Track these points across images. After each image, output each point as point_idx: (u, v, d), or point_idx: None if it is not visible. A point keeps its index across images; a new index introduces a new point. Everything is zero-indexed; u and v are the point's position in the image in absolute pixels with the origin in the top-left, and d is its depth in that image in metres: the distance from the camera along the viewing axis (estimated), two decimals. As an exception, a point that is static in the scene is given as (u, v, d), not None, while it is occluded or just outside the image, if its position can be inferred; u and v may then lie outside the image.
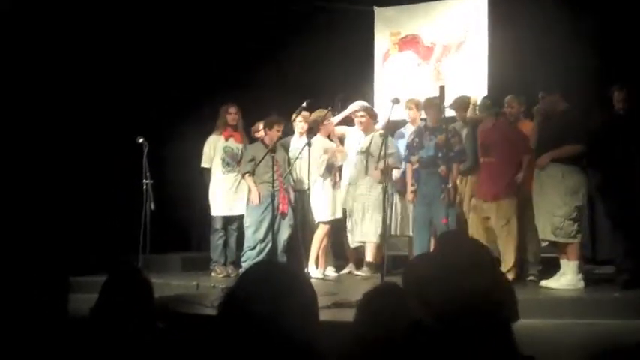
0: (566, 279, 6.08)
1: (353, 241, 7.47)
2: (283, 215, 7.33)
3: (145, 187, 7.40)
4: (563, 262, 6.17)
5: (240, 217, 7.67)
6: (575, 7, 7.49)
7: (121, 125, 8.10)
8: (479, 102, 7.19)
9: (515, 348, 1.60)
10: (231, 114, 7.81)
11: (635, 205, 6.03)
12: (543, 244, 6.42)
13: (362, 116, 7.45)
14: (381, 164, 6.82)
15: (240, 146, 7.84)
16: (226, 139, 7.83)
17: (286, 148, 7.64)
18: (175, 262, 8.35)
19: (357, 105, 7.60)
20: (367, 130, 7.43)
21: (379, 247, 7.08)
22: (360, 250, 7.53)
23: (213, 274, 7.69)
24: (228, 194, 7.77)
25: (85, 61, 8.08)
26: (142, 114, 8.35)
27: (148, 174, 7.43)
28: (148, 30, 8.53)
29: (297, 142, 7.58)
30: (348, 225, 7.48)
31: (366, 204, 7.25)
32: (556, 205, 6.07)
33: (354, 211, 7.38)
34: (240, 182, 7.72)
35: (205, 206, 8.08)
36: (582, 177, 6.19)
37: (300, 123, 7.58)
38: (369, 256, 7.26)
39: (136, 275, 2.69)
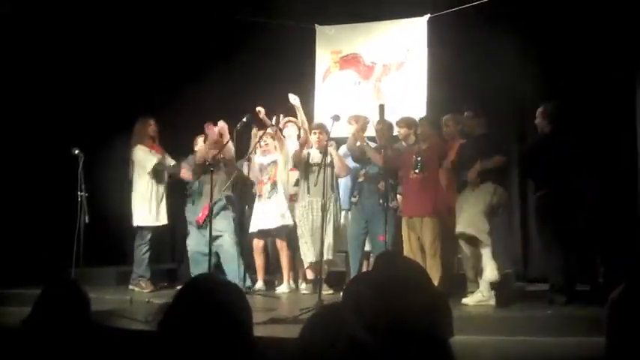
0: (478, 296, 6.21)
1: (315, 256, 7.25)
2: (198, 224, 7.47)
3: (79, 199, 7.27)
4: (481, 280, 6.29)
5: (164, 227, 7.74)
6: (511, 30, 7.70)
7: (57, 136, 7.93)
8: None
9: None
10: (151, 125, 7.80)
11: (571, 222, 6.14)
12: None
13: (320, 134, 7.47)
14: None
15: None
16: (149, 151, 7.76)
17: None
18: (110, 276, 8.17)
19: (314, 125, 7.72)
20: (322, 147, 7.33)
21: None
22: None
23: (137, 289, 7.48)
24: (153, 204, 7.67)
25: (19, 69, 7.90)
26: (77, 125, 8.20)
27: (82, 186, 7.30)
28: (83, 38, 8.42)
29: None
30: (306, 241, 7.39)
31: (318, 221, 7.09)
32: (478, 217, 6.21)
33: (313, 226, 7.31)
34: (164, 192, 7.73)
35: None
36: (505, 196, 6.51)
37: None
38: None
39: (73, 288, 2.62)
